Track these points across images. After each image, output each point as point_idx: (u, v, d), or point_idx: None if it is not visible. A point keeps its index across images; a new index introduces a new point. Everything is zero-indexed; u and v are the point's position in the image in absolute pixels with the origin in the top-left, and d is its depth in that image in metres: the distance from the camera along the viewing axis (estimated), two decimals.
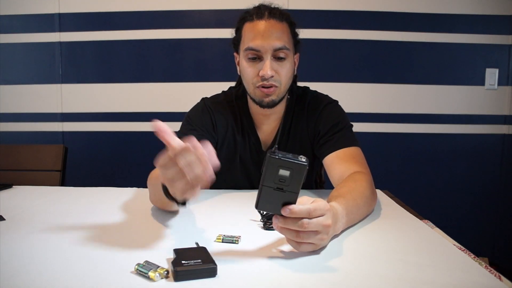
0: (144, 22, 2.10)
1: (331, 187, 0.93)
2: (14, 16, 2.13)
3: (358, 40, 2.08)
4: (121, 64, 2.14)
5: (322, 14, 2.07)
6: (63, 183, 1.43)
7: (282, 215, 0.59)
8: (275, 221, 0.60)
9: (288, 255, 0.62)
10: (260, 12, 0.96)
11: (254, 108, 1.06)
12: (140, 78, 2.14)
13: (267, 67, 0.94)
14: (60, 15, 2.11)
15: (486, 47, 2.07)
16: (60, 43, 2.13)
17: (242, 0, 2.08)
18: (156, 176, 0.80)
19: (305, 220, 0.58)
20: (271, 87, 0.96)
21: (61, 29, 2.12)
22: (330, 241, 0.67)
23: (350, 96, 2.10)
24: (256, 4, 1.01)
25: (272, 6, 1.00)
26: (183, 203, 0.68)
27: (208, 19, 2.09)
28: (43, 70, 2.16)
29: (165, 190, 0.66)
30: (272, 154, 0.55)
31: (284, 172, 0.55)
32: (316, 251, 0.63)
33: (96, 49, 2.13)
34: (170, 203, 0.68)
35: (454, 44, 2.07)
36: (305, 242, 0.60)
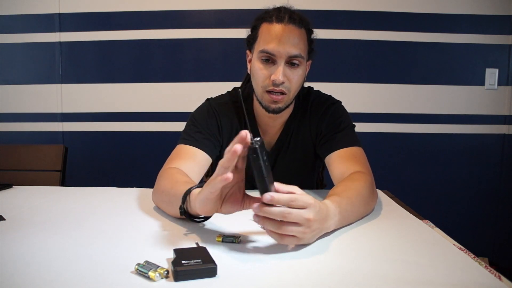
0: (144, 22, 2.10)
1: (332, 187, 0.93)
2: (14, 16, 2.13)
3: (358, 40, 2.08)
4: (121, 64, 2.14)
5: (322, 14, 2.07)
6: (63, 183, 1.43)
7: (262, 204, 0.60)
8: (256, 210, 0.60)
9: (288, 255, 0.62)
10: (280, 15, 0.94)
11: (259, 110, 1.05)
12: (140, 78, 2.14)
13: (279, 73, 0.92)
14: (60, 15, 2.11)
15: (486, 47, 2.07)
16: (60, 43, 2.13)
17: (242, 1, 2.09)
18: (171, 187, 0.82)
19: (286, 210, 0.59)
20: (280, 93, 0.95)
21: (61, 29, 2.12)
22: (319, 238, 0.68)
23: (350, 96, 2.10)
24: (272, 5, 0.99)
25: (293, 9, 0.98)
26: (198, 219, 0.75)
27: (208, 19, 2.09)
28: (43, 70, 2.15)
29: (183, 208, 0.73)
30: (254, 146, 0.58)
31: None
32: (300, 248, 0.64)
33: (96, 49, 2.13)
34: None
35: (454, 44, 2.07)
36: (287, 235, 0.61)
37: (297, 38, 0.94)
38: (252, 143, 0.57)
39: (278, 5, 1.00)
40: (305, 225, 0.61)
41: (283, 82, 0.94)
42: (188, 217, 0.73)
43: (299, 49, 0.93)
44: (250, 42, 1.02)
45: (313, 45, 1.02)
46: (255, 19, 1.00)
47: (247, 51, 1.05)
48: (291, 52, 0.92)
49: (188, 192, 0.72)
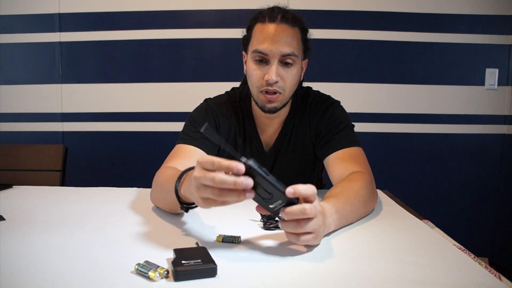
0: (144, 22, 2.10)
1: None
2: (14, 16, 2.13)
3: (358, 40, 2.08)
4: (121, 64, 2.14)
5: (322, 14, 2.07)
6: (63, 183, 1.43)
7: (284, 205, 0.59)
8: (284, 215, 0.59)
9: (288, 255, 0.62)
10: (273, 14, 0.94)
11: (257, 110, 1.05)
12: (140, 78, 2.14)
13: (273, 72, 0.93)
14: (60, 15, 2.11)
15: (486, 47, 2.08)
16: (60, 43, 2.13)
17: (242, 1, 2.09)
18: (167, 178, 0.80)
19: (306, 205, 0.59)
20: (275, 93, 0.95)
21: (61, 29, 2.12)
22: (322, 237, 0.68)
23: (350, 96, 2.10)
24: (270, 5, 0.99)
25: (286, 9, 0.98)
26: (188, 209, 0.73)
27: (208, 19, 2.09)
28: (43, 70, 2.16)
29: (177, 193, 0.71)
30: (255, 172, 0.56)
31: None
32: (311, 248, 0.64)
33: (96, 49, 2.13)
34: (178, 207, 0.73)
35: (454, 44, 2.07)
36: (304, 233, 0.61)
37: (290, 37, 0.94)
38: (246, 164, 0.56)
39: (272, 5, 1.00)
40: (317, 217, 0.61)
41: (276, 82, 0.94)
42: (182, 204, 0.72)
43: (292, 48, 0.93)
44: (245, 43, 1.02)
45: (308, 44, 1.02)
46: (249, 20, 1.01)
47: (243, 52, 1.05)
48: (284, 50, 0.92)
49: (182, 174, 0.71)
